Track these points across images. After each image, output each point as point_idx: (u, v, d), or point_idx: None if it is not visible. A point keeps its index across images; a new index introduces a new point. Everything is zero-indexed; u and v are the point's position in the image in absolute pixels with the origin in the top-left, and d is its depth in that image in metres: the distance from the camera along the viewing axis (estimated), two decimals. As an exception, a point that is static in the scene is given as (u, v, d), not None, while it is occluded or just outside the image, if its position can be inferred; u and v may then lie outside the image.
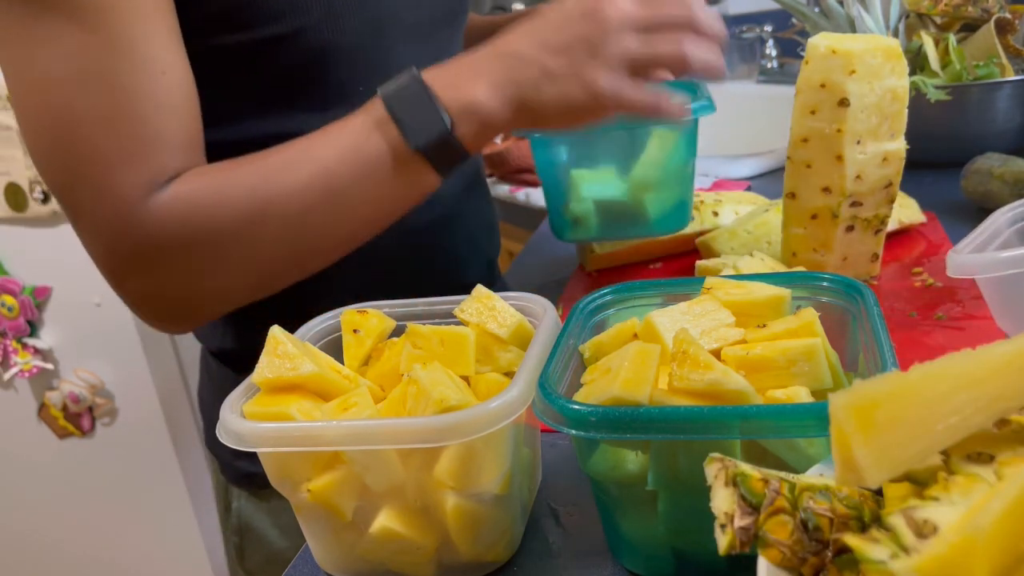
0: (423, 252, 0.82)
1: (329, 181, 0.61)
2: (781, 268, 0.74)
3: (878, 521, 0.31)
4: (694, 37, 0.61)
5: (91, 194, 0.59)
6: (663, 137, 0.83)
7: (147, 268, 0.61)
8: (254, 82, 0.70)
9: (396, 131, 0.61)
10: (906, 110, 0.70)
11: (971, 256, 0.59)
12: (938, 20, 1.11)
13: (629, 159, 0.85)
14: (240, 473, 0.83)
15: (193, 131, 0.63)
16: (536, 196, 1.29)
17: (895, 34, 1.11)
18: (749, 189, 1.16)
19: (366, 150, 0.61)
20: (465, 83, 0.61)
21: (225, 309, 0.67)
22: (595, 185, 0.87)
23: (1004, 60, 1.04)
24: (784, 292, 0.51)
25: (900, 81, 0.69)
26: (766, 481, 0.32)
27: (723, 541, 0.32)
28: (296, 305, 0.67)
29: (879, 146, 0.70)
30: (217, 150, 0.68)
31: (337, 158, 0.61)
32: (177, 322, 0.67)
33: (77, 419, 1.77)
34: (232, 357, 0.82)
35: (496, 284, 0.93)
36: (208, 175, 0.62)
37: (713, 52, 0.62)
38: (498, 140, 1.45)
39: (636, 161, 0.85)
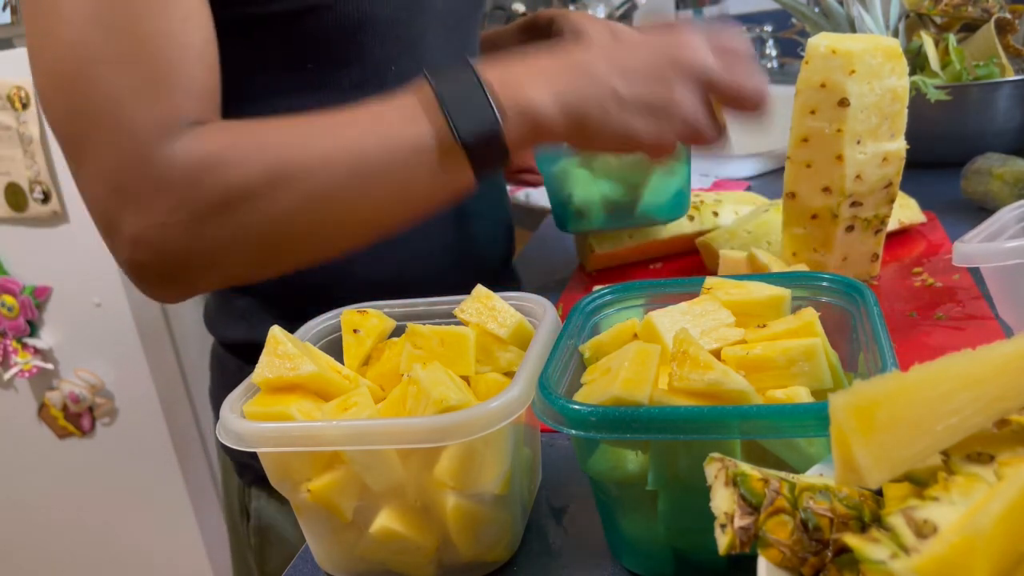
0: (437, 249, 0.81)
1: (359, 158, 0.57)
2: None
3: (878, 521, 0.31)
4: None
5: (103, 132, 0.56)
6: None
7: (147, 207, 0.56)
8: (291, 55, 0.68)
9: (442, 119, 0.57)
10: (906, 110, 0.70)
11: (977, 245, 0.59)
12: (938, 20, 1.11)
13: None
14: (258, 474, 0.81)
15: (210, 81, 0.60)
16: (536, 196, 1.29)
17: (895, 34, 1.11)
18: (749, 189, 1.16)
19: (405, 134, 0.58)
20: (524, 84, 0.58)
21: (220, 278, 0.62)
22: (596, 177, 0.88)
23: (1004, 60, 1.04)
24: (784, 292, 0.51)
25: (900, 81, 0.69)
26: (766, 481, 0.32)
27: (723, 541, 0.32)
28: (310, 298, 0.66)
29: (879, 146, 0.70)
30: None
31: (372, 136, 0.58)
32: (166, 283, 0.60)
33: (77, 419, 1.77)
34: (248, 349, 0.79)
35: (510, 284, 0.93)
36: (232, 130, 0.59)
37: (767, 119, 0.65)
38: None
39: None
